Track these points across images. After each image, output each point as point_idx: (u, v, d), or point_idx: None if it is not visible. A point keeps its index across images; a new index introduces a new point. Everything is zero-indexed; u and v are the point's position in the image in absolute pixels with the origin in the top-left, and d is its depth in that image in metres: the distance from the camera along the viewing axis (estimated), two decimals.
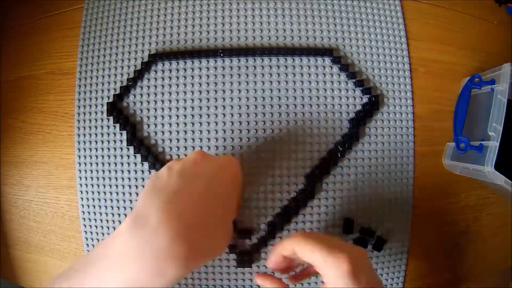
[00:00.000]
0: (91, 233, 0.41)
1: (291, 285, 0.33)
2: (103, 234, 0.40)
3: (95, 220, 0.40)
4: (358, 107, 0.40)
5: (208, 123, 0.38)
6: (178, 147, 0.38)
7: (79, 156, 0.41)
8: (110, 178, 0.39)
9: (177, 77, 0.39)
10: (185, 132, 0.38)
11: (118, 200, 0.39)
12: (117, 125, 0.39)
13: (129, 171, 0.39)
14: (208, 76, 0.39)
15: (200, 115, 0.38)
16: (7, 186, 0.44)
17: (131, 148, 0.39)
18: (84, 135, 0.41)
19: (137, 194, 0.39)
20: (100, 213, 0.40)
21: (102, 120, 0.40)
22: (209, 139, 0.38)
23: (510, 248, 0.45)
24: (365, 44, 0.41)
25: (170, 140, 0.38)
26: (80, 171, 0.41)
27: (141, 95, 0.39)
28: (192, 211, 0.24)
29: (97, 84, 0.41)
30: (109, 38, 0.41)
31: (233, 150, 0.38)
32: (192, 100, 0.39)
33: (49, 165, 0.42)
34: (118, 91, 0.40)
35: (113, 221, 0.39)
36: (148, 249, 0.22)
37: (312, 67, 0.39)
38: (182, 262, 0.22)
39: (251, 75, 0.39)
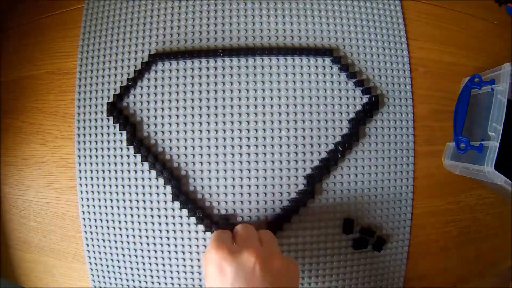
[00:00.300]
0: (91, 233, 0.41)
1: None
2: (103, 234, 0.40)
3: (95, 220, 0.40)
4: (358, 107, 0.40)
5: (208, 123, 0.38)
6: (178, 147, 0.38)
7: (79, 156, 0.41)
8: (110, 178, 0.39)
9: (177, 77, 0.39)
10: (185, 132, 0.38)
11: (118, 200, 0.39)
12: (117, 125, 0.39)
13: (129, 171, 0.39)
14: (208, 76, 0.39)
15: (200, 115, 0.38)
16: (7, 186, 0.44)
17: (131, 148, 0.39)
18: (84, 135, 0.41)
19: (137, 194, 0.39)
20: (100, 213, 0.40)
21: (102, 120, 0.40)
22: (209, 139, 0.38)
23: (510, 248, 0.45)
24: (365, 44, 0.41)
25: (170, 140, 0.38)
26: (80, 171, 0.41)
27: (141, 95, 0.39)
28: None
29: (97, 84, 0.41)
30: (109, 38, 0.41)
31: (233, 150, 0.38)
32: (192, 100, 0.39)
33: (49, 165, 0.42)
34: (118, 91, 0.40)
35: (113, 221, 0.39)
36: None
37: (312, 67, 0.39)
38: None
39: (251, 75, 0.39)
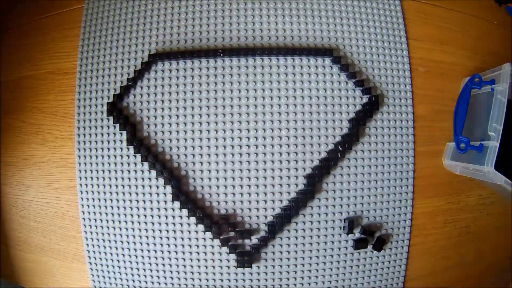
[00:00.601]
0: (91, 233, 0.41)
1: None
2: (103, 234, 0.40)
3: (95, 220, 0.40)
4: (358, 107, 0.40)
5: (208, 123, 0.38)
6: (178, 147, 0.38)
7: (79, 156, 0.41)
8: (110, 178, 0.39)
9: (177, 77, 0.39)
10: (185, 132, 0.38)
11: (118, 200, 0.39)
12: (117, 125, 0.39)
13: (129, 171, 0.39)
14: (208, 76, 0.39)
15: (200, 115, 0.38)
16: (7, 186, 0.44)
17: (131, 148, 0.39)
18: (84, 135, 0.41)
19: (137, 194, 0.39)
20: (100, 213, 0.40)
21: (102, 120, 0.40)
22: (209, 139, 0.38)
23: (510, 248, 0.45)
24: (365, 44, 0.41)
25: (170, 140, 0.38)
26: (80, 171, 0.41)
27: (141, 95, 0.39)
28: None
29: (97, 84, 0.41)
30: (109, 38, 0.41)
31: (233, 150, 0.38)
32: (192, 100, 0.39)
33: (49, 165, 0.42)
34: (118, 91, 0.40)
35: (113, 221, 0.39)
36: None
37: (312, 67, 0.39)
38: None
39: (251, 75, 0.39)
